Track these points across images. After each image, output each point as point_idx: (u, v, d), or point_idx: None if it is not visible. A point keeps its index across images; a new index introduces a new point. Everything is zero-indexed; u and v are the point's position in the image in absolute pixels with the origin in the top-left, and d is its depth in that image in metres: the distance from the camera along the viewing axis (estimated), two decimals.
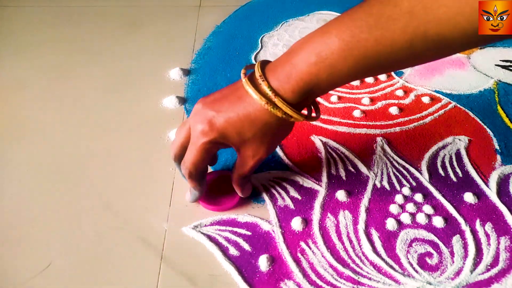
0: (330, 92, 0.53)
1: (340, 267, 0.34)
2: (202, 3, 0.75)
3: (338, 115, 0.49)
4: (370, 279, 0.33)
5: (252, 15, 0.71)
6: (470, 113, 0.49)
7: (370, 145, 0.45)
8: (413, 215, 0.38)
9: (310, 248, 0.36)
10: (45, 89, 0.55)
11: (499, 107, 0.50)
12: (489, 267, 0.34)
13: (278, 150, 0.45)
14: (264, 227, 0.37)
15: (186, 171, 0.35)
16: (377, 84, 0.54)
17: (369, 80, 0.55)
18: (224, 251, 0.35)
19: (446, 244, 0.36)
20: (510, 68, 0.56)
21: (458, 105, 0.50)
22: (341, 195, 0.40)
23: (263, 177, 0.42)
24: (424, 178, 0.41)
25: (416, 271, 0.34)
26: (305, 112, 0.35)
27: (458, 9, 0.26)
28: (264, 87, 0.31)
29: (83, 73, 0.58)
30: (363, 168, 0.42)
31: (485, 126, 0.47)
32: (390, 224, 0.37)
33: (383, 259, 0.35)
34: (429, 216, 0.38)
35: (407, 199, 0.39)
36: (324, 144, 0.45)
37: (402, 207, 0.39)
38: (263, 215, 0.38)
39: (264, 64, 0.33)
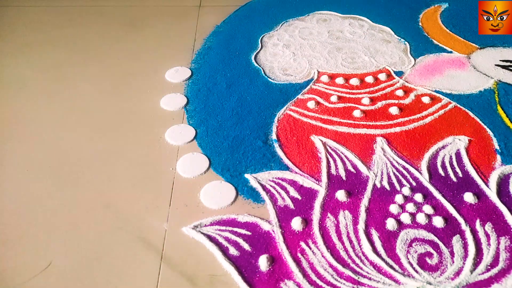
0: (330, 92, 0.53)
1: (340, 267, 0.34)
2: (202, 3, 0.75)
3: (338, 115, 0.49)
4: (370, 279, 0.33)
5: (252, 15, 0.71)
6: (470, 113, 0.49)
7: (370, 145, 0.45)
8: (413, 215, 0.38)
9: (310, 248, 0.36)
10: (45, 89, 0.55)
11: (499, 107, 0.50)
12: (489, 267, 0.34)
13: (278, 150, 0.45)
14: (264, 227, 0.37)
15: None
16: (377, 84, 0.54)
17: (369, 80, 0.55)
18: (224, 251, 0.35)
19: (446, 244, 0.36)
20: (510, 68, 0.56)
21: (458, 105, 0.50)
22: (341, 195, 0.40)
23: (263, 177, 0.42)
24: (424, 178, 0.41)
25: (416, 271, 0.34)
26: None
27: None
28: None
29: (83, 73, 0.58)
30: (363, 168, 0.42)
31: (485, 126, 0.47)
32: (390, 224, 0.37)
33: (383, 259, 0.35)
34: (429, 216, 0.38)
35: (407, 199, 0.39)
36: (324, 144, 0.45)
37: (402, 207, 0.39)
38: (263, 215, 0.38)
39: None
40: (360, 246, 0.36)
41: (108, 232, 0.37)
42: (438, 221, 0.37)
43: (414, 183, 0.41)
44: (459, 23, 0.65)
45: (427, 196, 0.40)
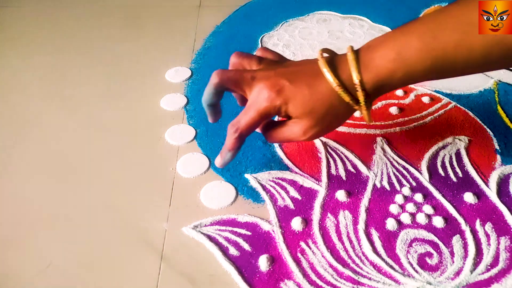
0: None
1: (340, 267, 0.34)
2: (202, 3, 0.75)
3: None
4: (370, 279, 0.33)
5: (252, 15, 0.71)
6: (470, 113, 0.49)
7: (370, 145, 0.45)
8: (413, 215, 0.38)
9: (310, 248, 0.36)
10: (45, 89, 0.55)
11: (499, 107, 0.50)
12: (489, 267, 0.34)
13: (278, 150, 0.45)
14: (264, 227, 0.37)
15: (237, 132, 0.35)
16: None
17: None
18: (224, 251, 0.35)
19: (446, 244, 0.36)
20: (510, 68, 0.56)
21: (458, 105, 0.50)
22: (341, 195, 0.40)
23: (263, 177, 0.42)
24: (424, 178, 0.41)
25: (416, 271, 0.34)
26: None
27: None
28: (341, 71, 0.32)
29: (83, 73, 0.58)
30: (363, 168, 0.42)
31: (485, 126, 0.47)
32: (390, 224, 0.37)
33: (383, 259, 0.35)
34: (429, 216, 0.38)
35: (407, 199, 0.39)
36: (324, 144, 0.45)
37: (402, 207, 0.39)
38: (263, 215, 0.38)
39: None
40: (360, 246, 0.36)
41: (108, 232, 0.37)
42: (438, 221, 0.37)
43: (414, 183, 0.41)
44: None
45: (427, 196, 0.40)
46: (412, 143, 0.45)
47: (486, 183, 0.41)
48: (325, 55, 0.34)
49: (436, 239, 0.36)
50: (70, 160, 0.45)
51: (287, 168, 0.43)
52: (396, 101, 0.51)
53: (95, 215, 0.39)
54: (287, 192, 0.40)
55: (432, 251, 0.35)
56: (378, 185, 0.41)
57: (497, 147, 0.45)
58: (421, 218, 0.37)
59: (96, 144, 0.46)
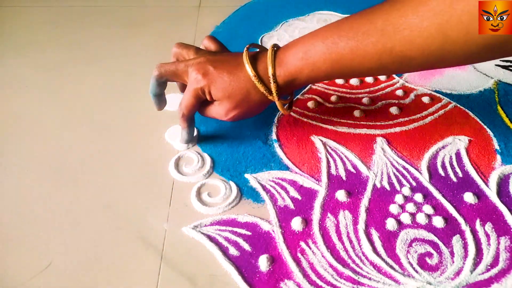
0: (330, 92, 0.53)
1: (340, 267, 0.34)
2: (202, 3, 0.75)
3: (338, 115, 0.49)
4: (370, 279, 0.33)
5: (252, 15, 0.71)
6: (470, 113, 0.49)
7: (370, 145, 0.45)
8: (413, 215, 0.38)
9: (310, 248, 0.36)
10: (45, 89, 0.55)
11: (499, 107, 0.50)
12: (489, 267, 0.34)
13: (278, 150, 0.45)
14: (264, 227, 0.37)
15: (180, 112, 0.42)
16: (377, 84, 0.54)
17: (369, 80, 0.55)
18: (224, 251, 0.35)
19: (446, 244, 0.36)
20: (510, 68, 0.56)
21: (458, 105, 0.50)
22: (341, 195, 0.40)
23: (263, 177, 0.42)
24: (424, 178, 0.41)
25: (416, 271, 0.34)
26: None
27: (418, 33, 0.30)
28: (260, 65, 0.38)
29: (83, 73, 0.58)
30: (363, 168, 0.42)
31: (485, 126, 0.47)
32: (390, 224, 0.37)
33: (383, 259, 0.35)
34: (429, 216, 0.38)
35: (407, 199, 0.39)
36: (324, 144, 0.45)
37: (402, 207, 0.39)
38: (263, 215, 0.38)
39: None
40: (360, 246, 0.36)
41: (108, 232, 0.37)
42: (438, 221, 0.37)
43: (414, 183, 0.41)
44: None
45: (427, 196, 0.40)
46: (412, 143, 0.45)
47: (486, 183, 0.41)
48: (256, 50, 0.40)
49: (436, 239, 0.36)
50: (70, 160, 0.45)
51: (287, 168, 0.43)
52: (396, 101, 0.51)
53: (95, 215, 0.39)
54: (287, 192, 0.40)
55: (432, 251, 0.35)
56: (378, 185, 0.41)
57: (497, 147, 0.45)
58: (421, 218, 0.37)
59: (96, 144, 0.46)
